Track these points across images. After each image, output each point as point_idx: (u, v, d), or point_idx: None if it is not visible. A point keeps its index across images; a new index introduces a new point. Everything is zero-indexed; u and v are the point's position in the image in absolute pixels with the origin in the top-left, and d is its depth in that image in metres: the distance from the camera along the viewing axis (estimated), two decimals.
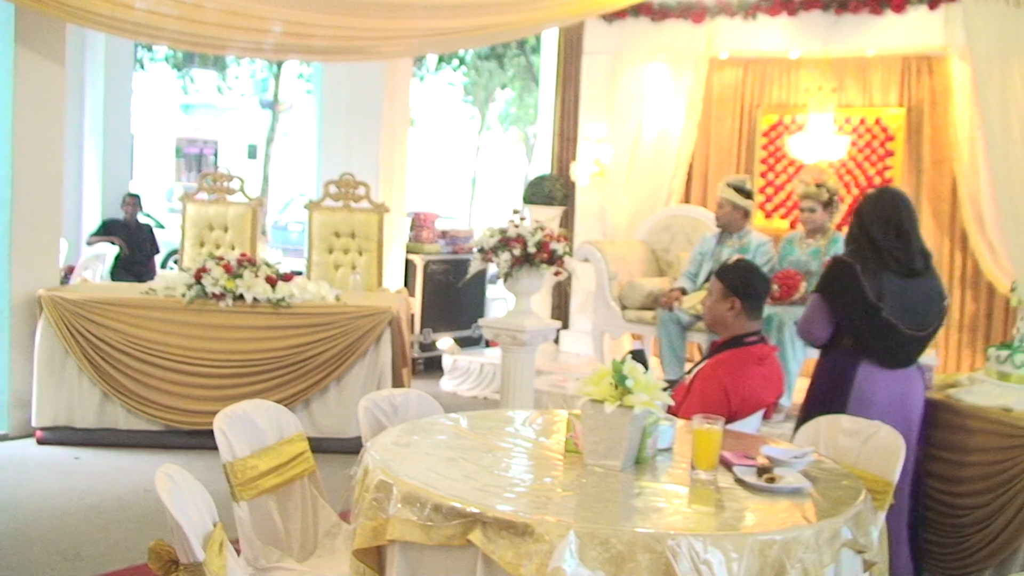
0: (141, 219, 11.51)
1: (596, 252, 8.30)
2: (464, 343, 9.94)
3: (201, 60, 25.39)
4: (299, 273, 7.97)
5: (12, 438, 6.69)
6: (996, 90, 4.36)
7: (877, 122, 8.47)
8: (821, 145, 8.44)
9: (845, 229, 8.16)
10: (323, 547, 3.63)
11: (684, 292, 7.42)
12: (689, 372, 4.36)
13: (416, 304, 9.59)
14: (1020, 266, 4.31)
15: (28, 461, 6.35)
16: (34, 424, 6.67)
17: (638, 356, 3.42)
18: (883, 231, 4.32)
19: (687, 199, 9.28)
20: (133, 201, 11.36)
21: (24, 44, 6.72)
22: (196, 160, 34.64)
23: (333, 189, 8.45)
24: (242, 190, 8.57)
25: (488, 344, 9.59)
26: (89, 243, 10.92)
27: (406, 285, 9.52)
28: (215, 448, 3.41)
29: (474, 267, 6.59)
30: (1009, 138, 5.53)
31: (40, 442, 6.65)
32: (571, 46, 9.71)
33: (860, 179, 8.54)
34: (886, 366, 4.27)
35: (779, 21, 8.56)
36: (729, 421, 3.74)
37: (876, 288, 4.23)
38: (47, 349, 6.62)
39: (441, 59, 22.93)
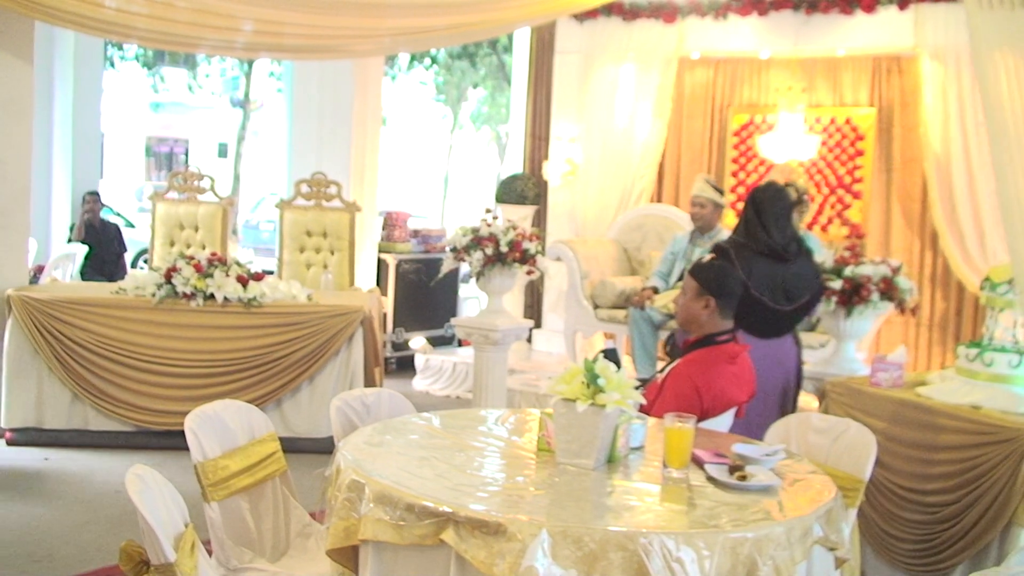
0: (112, 218, 11.41)
1: (568, 251, 8.31)
2: (436, 342, 9.93)
3: (171, 58, 25.25)
4: (270, 272, 7.95)
5: None
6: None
7: (847, 122, 8.53)
8: (791, 144, 8.50)
9: (817, 229, 8.31)
10: (295, 547, 3.62)
11: (656, 291, 7.44)
12: (661, 371, 4.38)
13: (388, 303, 9.57)
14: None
15: None
16: (3, 425, 6.61)
17: (610, 355, 3.43)
18: (756, 222, 5.11)
19: (659, 198, 9.31)
20: (93, 199, 11.20)
21: None
22: (166, 159, 34.44)
23: (304, 188, 8.43)
24: (212, 189, 8.53)
25: (460, 343, 9.59)
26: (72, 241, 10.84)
27: (378, 284, 9.50)
28: (186, 449, 3.39)
29: (446, 266, 6.59)
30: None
31: (9, 443, 6.59)
32: (543, 45, 9.73)
33: (830, 178, 8.59)
34: (757, 335, 4.80)
35: (749, 21, 8.61)
36: (701, 419, 3.76)
37: (747, 269, 4.88)
38: (16, 349, 6.56)
39: (413, 58, 22.89)
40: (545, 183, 9.53)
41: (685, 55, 9.00)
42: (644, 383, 3.94)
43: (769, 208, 5.14)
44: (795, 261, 5.14)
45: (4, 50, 6.74)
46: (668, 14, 8.86)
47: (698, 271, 4.31)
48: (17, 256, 7.06)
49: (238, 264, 6.92)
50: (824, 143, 8.57)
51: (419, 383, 9.06)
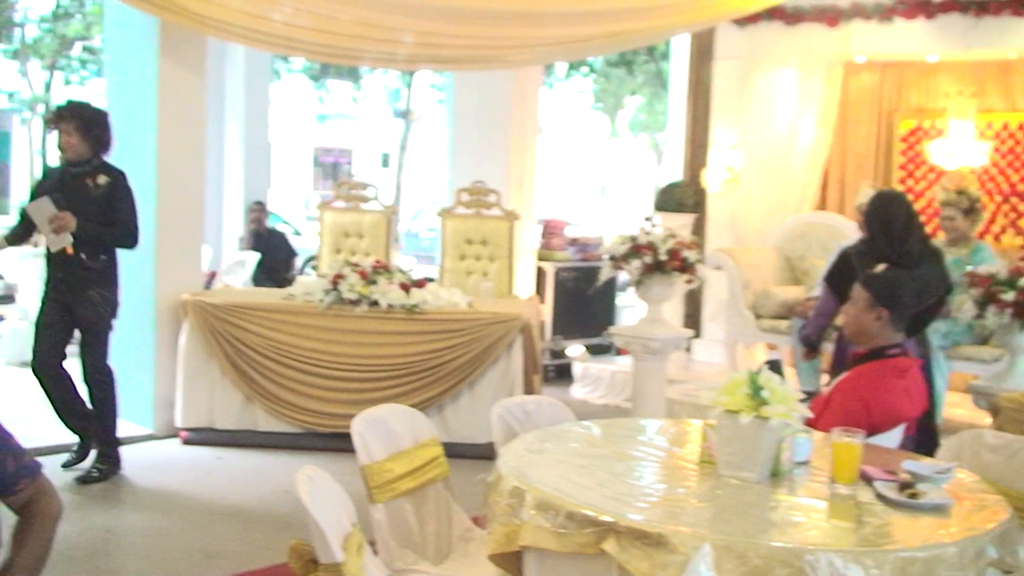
0: (279, 226, 11.79)
1: (728, 260, 8.20)
2: (595, 351, 9.92)
3: (336, 71, 25.93)
4: (431, 280, 8.07)
5: (158, 438, 6.91)
6: None
7: (1021, 127, 8.20)
8: (962, 151, 8.20)
9: (989, 238, 8.00)
10: (457, 551, 3.67)
11: None
12: (828, 384, 4.29)
13: (547, 311, 9.60)
14: None
15: (173, 461, 6.56)
16: (178, 425, 6.89)
17: (774, 366, 3.37)
18: (878, 229, 5.26)
19: (823, 206, 9.11)
20: (259, 208, 11.60)
21: (167, 56, 6.94)
22: (332, 169, 35.38)
23: (465, 197, 8.54)
24: (376, 198, 8.73)
25: (619, 352, 9.56)
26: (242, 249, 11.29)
27: (537, 292, 9.55)
28: (351, 451, 3.48)
29: (604, 274, 6.59)
30: None
31: (185, 442, 6.86)
32: (702, 51, 9.62)
33: (1003, 185, 8.28)
34: None
35: (916, 24, 8.32)
36: (869, 435, 3.65)
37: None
38: (191, 352, 6.83)
39: (571, 66, 22.98)
40: (704, 191, 9.43)
41: (849, 59, 8.79)
42: (809, 396, 3.87)
43: (888, 216, 5.25)
44: (918, 266, 5.12)
45: (178, 64, 7.02)
46: (831, 17, 8.65)
47: (871, 281, 4.19)
48: (192, 262, 7.36)
49: (401, 271, 7.06)
50: (996, 149, 8.25)
51: (577, 391, 9.07)
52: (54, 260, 5.93)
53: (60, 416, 6.12)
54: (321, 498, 2.78)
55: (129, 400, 6.92)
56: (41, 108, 22.98)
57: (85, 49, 23.38)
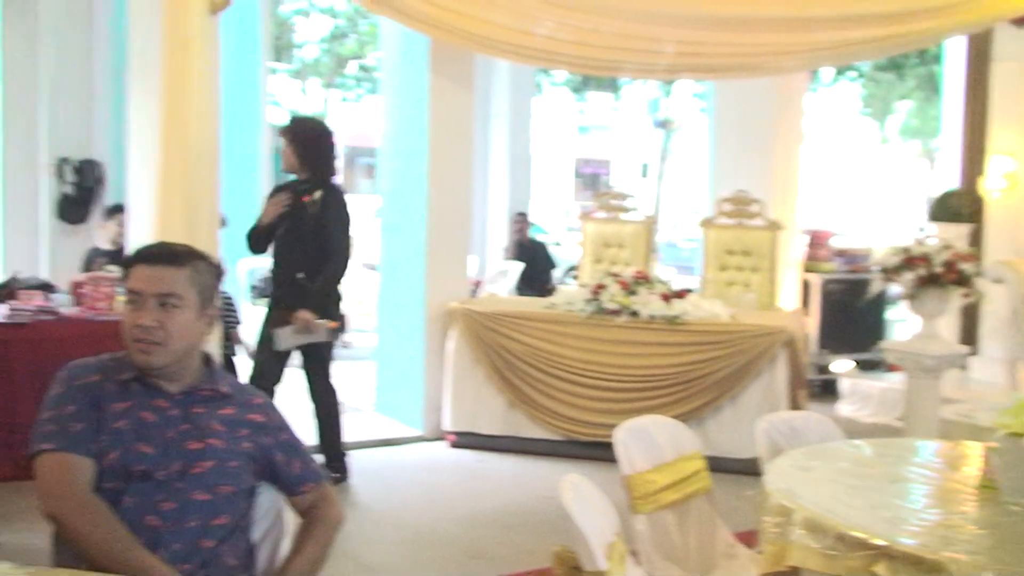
0: (540, 237, 12.03)
1: (1009, 272, 7.76)
2: (863, 366, 9.55)
3: (596, 83, 26.18)
4: (692, 291, 8.01)
5: (427, 439, 7.17)
6: None
7: None
8: None
9: None
10: (720, 567, 3.63)
11: None
12: None
13: (812, 324, 9.33)
14: None
15: (440, 462, 6.79)
16: (445, 428, 7.12)
17: None
18: None
19: None
20: (522, 219, 11.87)
21: (437, 73, 7.23)
22: (591, 180, 35.74)
23: (727, 206, 8.43)
24: (636, 208, 8.74)
25: (889, 368, 9.16)
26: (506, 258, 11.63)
27: (802, 305, 9.30)
28: (611, 460, 3.49)
29: (875, 287, 6.37)
30: None
31: (452, 445, 7.08)
32: (979, 53, 9.13)
33: None
34: None
35: None
36: None
37: None
38: (458, 358, 7.04)
39: (838, 71, 22.31)
40: (982, 199, 8.94)
41: None
42: None
43: None
44: None
45: (448, 80, 7.29)
46: None
47: None
48: (460, 271, 7.60)
49: (661, 281, 7.05)
50: None
51: (844, 408, 8.75)
52: (275, 278, 6.04)
53: None
54: (585, 506, 2.80)
55: (401, 403, 7.25)
56: None
57: (360, 68, 24.60)
